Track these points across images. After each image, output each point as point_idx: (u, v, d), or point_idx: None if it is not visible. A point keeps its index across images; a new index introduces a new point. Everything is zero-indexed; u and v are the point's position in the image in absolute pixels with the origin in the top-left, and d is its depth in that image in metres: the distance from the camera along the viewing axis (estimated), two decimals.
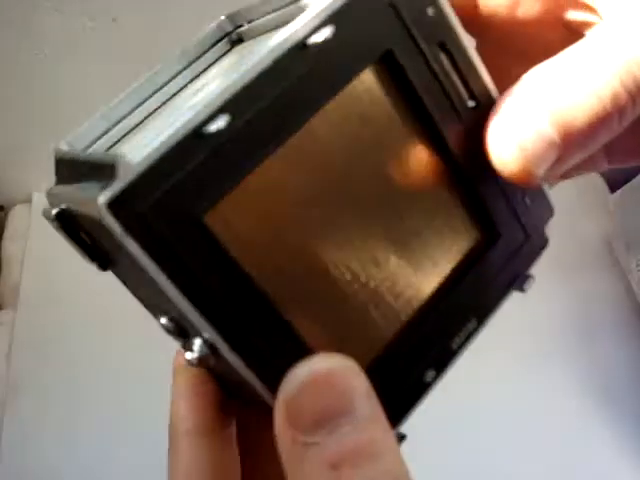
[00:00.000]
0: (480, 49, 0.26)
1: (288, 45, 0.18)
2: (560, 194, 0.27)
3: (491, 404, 0.67)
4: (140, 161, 0.16)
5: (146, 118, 0.23)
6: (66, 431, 0.63)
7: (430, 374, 0.21)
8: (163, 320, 0.20)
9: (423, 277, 0.22)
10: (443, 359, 0.22)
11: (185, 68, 0.24)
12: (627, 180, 0.76)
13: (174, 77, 0.24)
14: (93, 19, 0.62)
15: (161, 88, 0.24)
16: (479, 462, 0.64)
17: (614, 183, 0.81)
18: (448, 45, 0.21)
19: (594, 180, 0.84)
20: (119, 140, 0.23)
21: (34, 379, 0.66)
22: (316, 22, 0.19)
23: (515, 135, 0.20)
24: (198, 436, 0.22)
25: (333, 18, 0.19)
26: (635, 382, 0.69)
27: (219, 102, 0.17)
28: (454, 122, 0.21)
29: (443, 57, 0.21)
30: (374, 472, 0.16)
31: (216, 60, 0.25)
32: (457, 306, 0.22)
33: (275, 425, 0.17)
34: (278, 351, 0.19)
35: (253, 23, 0.24)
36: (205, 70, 0.24)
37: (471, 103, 0.22)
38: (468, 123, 0.22)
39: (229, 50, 0.25)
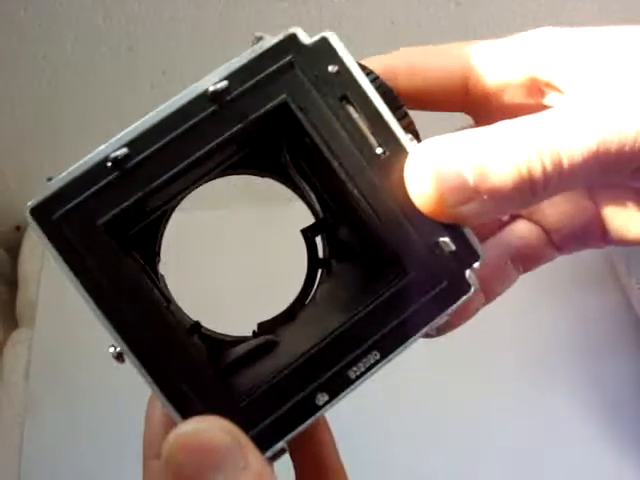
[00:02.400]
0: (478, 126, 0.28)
1: (188, 97, 0.22)
2: None
3: (492, 421, 0.67)
4: (55, 181, 0.22)
5: None
6: (85, 449, 0.64)
7: (322, 397, 0.23)
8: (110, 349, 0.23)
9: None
10: (338, 385, 0.23)
11: None
12: None
13: None
14: (111, 48, 0.64)
15: None
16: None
17: None
18: (351, 98, 0.23)
19: None
20: None
21: (52, 397, 0.67)
22: (216, 77, 0.22)
23: (435, 166, 0.22)
24: None
25: (233, 73, 0.23)
26: (637, 399, 0.69)
27: (121, 138, 0.22)
28: (360, 166, 0.23)
29: (349, 108, 0.23)
30: None
31: None
32: (357, 337, 0.23)
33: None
34: (165, 345, 0.23)
35: None
36: None
37: (379, 150, 0.23)
38: (377, 168, 0.23)
39: None
